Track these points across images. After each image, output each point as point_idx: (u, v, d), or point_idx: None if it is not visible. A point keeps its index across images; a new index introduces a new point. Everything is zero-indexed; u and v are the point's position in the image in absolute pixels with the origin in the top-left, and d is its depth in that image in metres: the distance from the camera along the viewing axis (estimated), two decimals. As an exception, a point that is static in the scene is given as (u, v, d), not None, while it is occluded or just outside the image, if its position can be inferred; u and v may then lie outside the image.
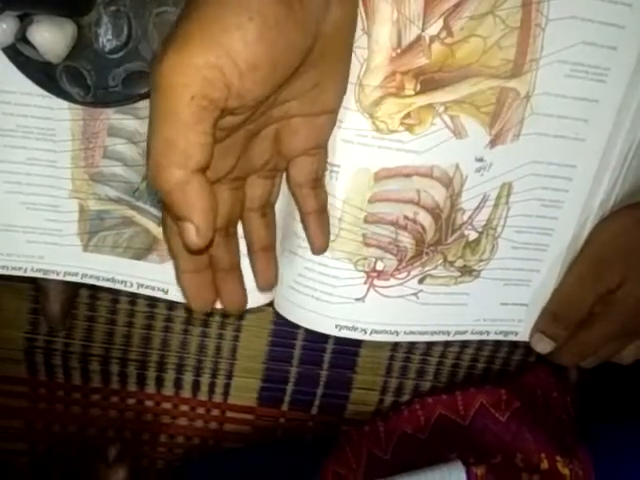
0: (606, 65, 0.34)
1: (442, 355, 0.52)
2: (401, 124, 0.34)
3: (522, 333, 0.42)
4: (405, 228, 0.36)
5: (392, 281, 0.38)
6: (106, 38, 0.33)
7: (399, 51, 0.32)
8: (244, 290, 0.36)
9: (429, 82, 0.33)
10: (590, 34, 0.33)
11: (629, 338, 0.41)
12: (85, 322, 0.50)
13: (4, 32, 0.30)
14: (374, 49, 0.32)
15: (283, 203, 0.38)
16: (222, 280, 0.35)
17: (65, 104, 0.35)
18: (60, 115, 0.36)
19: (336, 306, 0.38)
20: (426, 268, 0.38)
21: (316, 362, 0.52)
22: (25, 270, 0.40)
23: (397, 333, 0.39)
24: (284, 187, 0.37)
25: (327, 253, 0.37)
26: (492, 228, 0.38)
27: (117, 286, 0.40)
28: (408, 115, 0.34)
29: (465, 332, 0.41)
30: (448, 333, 0.41)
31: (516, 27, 0.33)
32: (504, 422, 0.48)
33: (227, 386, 0.53)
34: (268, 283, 0.37)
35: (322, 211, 0.35)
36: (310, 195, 0.34)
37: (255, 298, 0.41)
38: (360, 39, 0.32)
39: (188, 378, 0.52)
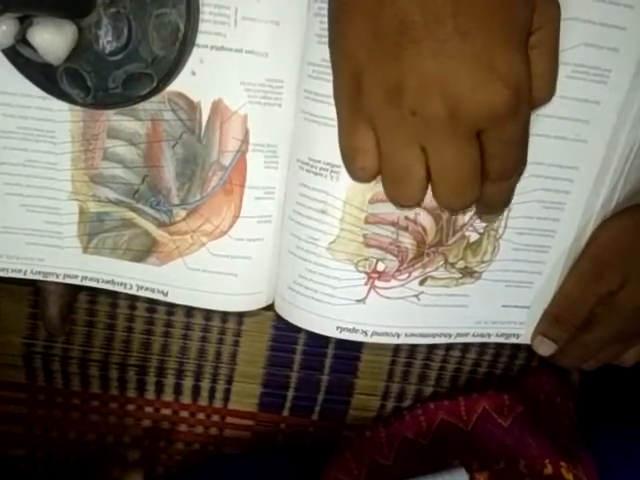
0: (607, 67, 0.34)
1: (444, 360, 0.51)
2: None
3: (524, 336, 0.42)
4: (406, 229, 0.36)
5: (393, 282, 0.38)
6: (106, 40, 0.33)
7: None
8: None
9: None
10: (591, 36, 0.33)
11: (631, 340, 0.41)
12: (84, 327, 0.49)
13: (4, 34, 0.30)
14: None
15: (282, 204, 0.38)
16: None
17: (65, 106, 0.35)
18: (60, 117, 0.36)
19: (337, 307, 0.38)
20: (427, 269, 0.38)
21: (317, 367, 0.52)
22: (25, 272, 0.40)
23: (398, 335, 0.39)
24: (283, 187, 0.37)
25: (327, 254, 0.37)
26: (493, 229, 0.38)
27: (117, 288, 0.40)
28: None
29: (466, 334, 0.41)
30: (449, 335, 0.40)
31: (517, 27, 0.33)
32: (507, 427, 0.47)
33: (227, 391, 0.52)
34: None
35: None
36: None
37: (254, 301, 0.41)
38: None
39: (188, 383, 0.52)
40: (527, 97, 0.28)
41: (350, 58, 0.29)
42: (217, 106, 0.35)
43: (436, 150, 0.29)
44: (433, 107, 0.28)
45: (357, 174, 0.32)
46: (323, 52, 0.32)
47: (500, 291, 0.40)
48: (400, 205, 0.33)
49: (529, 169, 0.36)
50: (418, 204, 0.32)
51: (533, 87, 0.29)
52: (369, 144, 0.30)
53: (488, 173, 0.31)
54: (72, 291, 0.45)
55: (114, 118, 0.36)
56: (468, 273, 0.39)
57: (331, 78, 0.32)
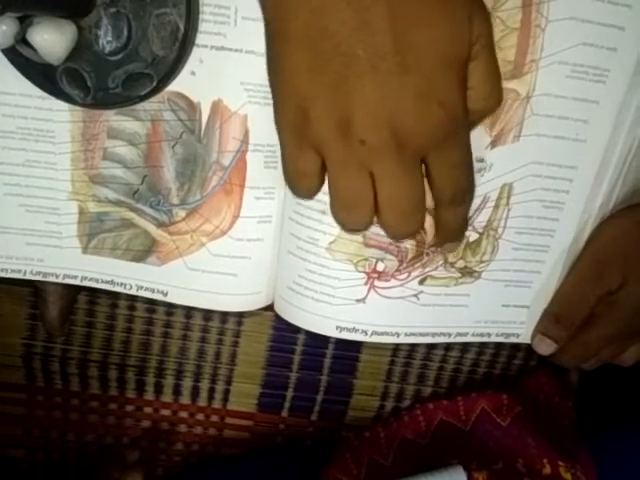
0: (606, 66, 0.34)
1: (443, 360, 0.51)
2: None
3: (524, 335, 0.42)
4: (406, 228, 0.36)
5: (393, 282, 0.38)
6: (106, 40, 0.33)
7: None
8: None
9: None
10: (590, 35, 0.34)
11: (630, 339, 0.41)
12: (83, 328, 0.49)
13: (4, 34, 0.30)
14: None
15: (282, 204, 0.38)
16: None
17: (65, 106, 0.35)
18: (60, 117, 0.36)
19: (337, 307, 0.38)
20: (427, 269, 0.38)
21: (316, 367, 0.52)
22: (24, 273, 0.39)
23: (398, 334, 0.39)
24: (283, 187, 0.37)
25: (327, 254, 0.37)
26: (493, 229, 0.38)
27: (116, 288, 0.40)
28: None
29: (466, 334, 0.41)
30: (449, 335, 0.40)
31: (516, 28, 0.33)
32: (505, 427, 0.47)
33: (226, 392, 0.52)
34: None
35: None
36: None
37: (254, 301, 0.41)
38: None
39: (187, 384, 0.52)
40: (464, 120, 0.30)
41: (293, 88, 0.29)
42: (217, 106, 0.35)
43: (384, 177, 0.30)
44: (381, 136, 0.28)
45: (302, 195, 0.33)
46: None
47: (500, 290, 0.40)
48: (349, 230, 0.34)
49: (529, 169, 0.36)
50: (366, 228, 0.33)
51: (473, 98, 0.30)
52: (315, 167, 0.31)
53: (440, 199, 0.32)
54: (71, 292, 0.45)
55: (114, 118, 0.36)
56: (467, 272, 0.39)
57: None
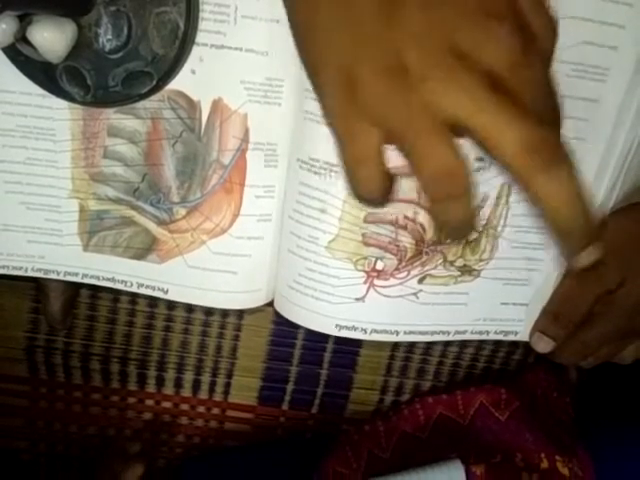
0: (606, 65, 0.34)
1: (442, 355, 0.52)
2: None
3: (522, 333, 0.42)
4: (405, 228, 0.36)
5: (392, 281, 0.38)
6: (106, 38, 0.33)
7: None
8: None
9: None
10: (590, 34, 0.33)
11: (629, 338, 0.41)
12: (86, 321, 0.50)
13: (4, 32, 0.30)
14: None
15: (282, 203, 0.38)
16: None
17: (65, 104, 0.35)
18: (60, 115, 0.36)
19: (336, 306, 0.38)
20: (426, 268, 0.38)
21: (316, 361, 0.52)
22: (25, 270, 0.40)
23: (397, 333, 0.39)
24: (283, 186, 0.38)
25: (327, 253, 0.37)
26: (492, 228, 0.38)
27: (117, 286, 0.40)
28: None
29: (465, 332, 0.41)
30: (448, 333, 0.41)
31: (516, 27, 0.33)
32: (504, 421, 0.48)
33: (227, 385, 0.53)
34: None
35: None
36: None
37: (254, 298, 0.41)
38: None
39: (188, 377, 0.52)
40: (531, 36, 0.24)
41: (330, 48, 0.25)
42: (217, 105, 0.35)
43: (473, 111, 0.24)
44: (443, 67, 0.23)
45: (366, 192, 0.28)
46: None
47: (499, 289, 0.40)
48: (454, 219, 0.26)
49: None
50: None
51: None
52: (376, 145, 0.26)
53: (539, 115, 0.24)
54: (74, 287, 0.45)
55: (114, 116, 0.36)
56: (467, 271, 0.39)
57: None
